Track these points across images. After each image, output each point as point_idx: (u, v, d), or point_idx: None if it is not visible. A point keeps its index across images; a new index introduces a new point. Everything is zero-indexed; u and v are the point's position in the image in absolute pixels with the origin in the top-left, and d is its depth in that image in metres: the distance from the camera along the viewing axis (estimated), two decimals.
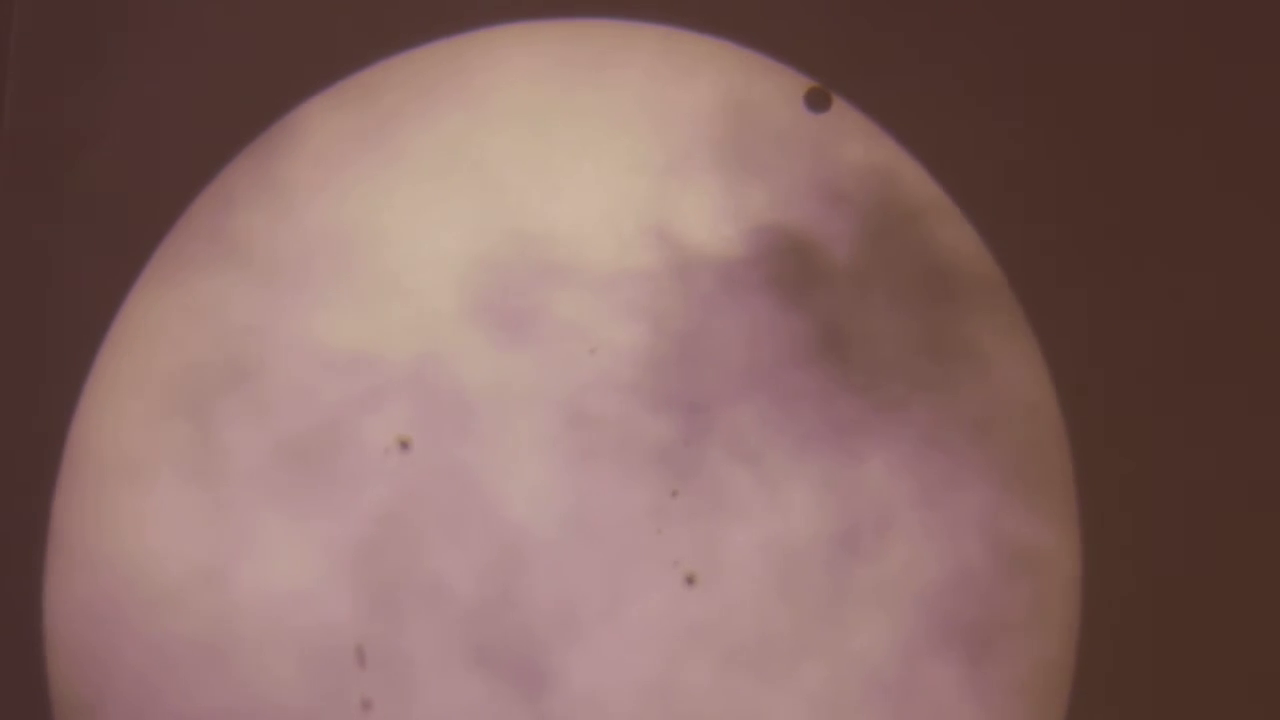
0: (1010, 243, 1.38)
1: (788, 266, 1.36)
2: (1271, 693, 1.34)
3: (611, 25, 1.42)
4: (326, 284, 1.38)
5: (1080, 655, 1.34)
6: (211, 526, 1.36)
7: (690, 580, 1.35)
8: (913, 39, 1.41)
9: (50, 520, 1.37)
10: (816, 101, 1.39)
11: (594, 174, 1.39)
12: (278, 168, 1.40)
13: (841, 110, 1.40)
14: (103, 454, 1.37)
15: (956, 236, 1.38)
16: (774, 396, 1.35)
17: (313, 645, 1.34)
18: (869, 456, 1.35)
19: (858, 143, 1.39)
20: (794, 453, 1.35)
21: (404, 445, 1.36)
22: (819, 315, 1.36)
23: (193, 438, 1.37)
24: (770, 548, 1.35)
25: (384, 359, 1.37)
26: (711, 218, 1.38)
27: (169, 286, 1.39)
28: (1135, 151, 1.40)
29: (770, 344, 1.36)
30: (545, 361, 1.37)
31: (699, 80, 1.40)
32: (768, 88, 1.40)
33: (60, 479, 1.37)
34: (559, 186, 1.39)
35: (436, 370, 1.37)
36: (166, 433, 1.37)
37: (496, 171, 1.39)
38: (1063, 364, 1.38)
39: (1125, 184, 1.39)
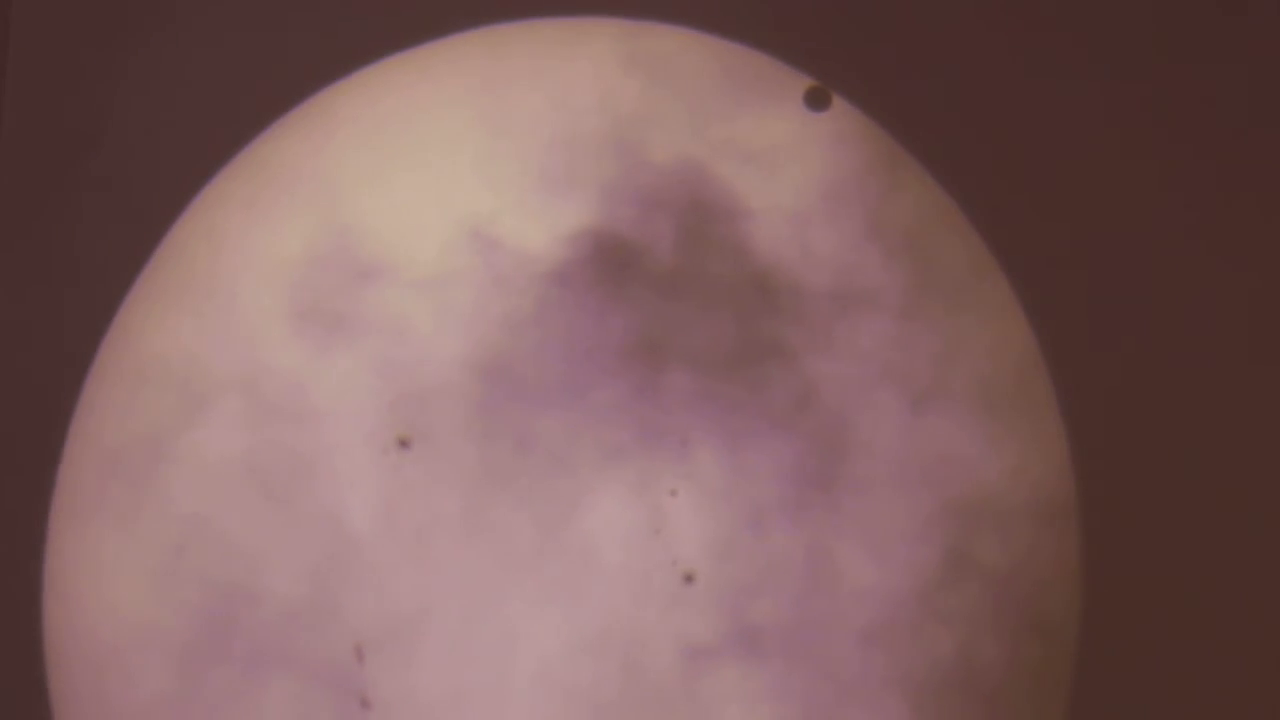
0: (1011, 243, 1.39)
1: (610, 270, 1.36)
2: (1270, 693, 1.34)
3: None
4: (147, 290, 1.38)
5: (1078, 656, 1.35)
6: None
7: (689, 578, 1.35)
8: (910, 36, 1.41)
9: (49, 525, 1.37)
10: (816, 100, 1.39)
11: (420, 177, 1.39)
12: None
13: (841, 110, 1.40)
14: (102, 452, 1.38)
15: (777, 239, 1.38)
16: (591, 402, 1.36)
17: (139, 654, 1.34)
18: (684, 459, 1.35)
19: (676, 144, 1.39)
20: (610, 456, 1.35)
21: (403, 444, 1.36)
22: (639, 318, 1.37)
23: None
24: (580, 552, 1.35)
25: (207, 364, 1.37)
26: (537, 221, 1.38)
27: (164, 289, 1.39)
28: (1137, 150, 1.40)
29: (590, 347, 1.36)
30: (369, 364, 1.37)
31: (529, 81, 1.41)
32: (601, 88, 1.40)
33: (59, 481, 1.37)
34: (384, 189, 1.39)
35: (260, 375, 1.36)
36: None
37: (324, 175, 1.39)
38: (1061, 362, 1.38)
39: (1127, 183, 1.40)
